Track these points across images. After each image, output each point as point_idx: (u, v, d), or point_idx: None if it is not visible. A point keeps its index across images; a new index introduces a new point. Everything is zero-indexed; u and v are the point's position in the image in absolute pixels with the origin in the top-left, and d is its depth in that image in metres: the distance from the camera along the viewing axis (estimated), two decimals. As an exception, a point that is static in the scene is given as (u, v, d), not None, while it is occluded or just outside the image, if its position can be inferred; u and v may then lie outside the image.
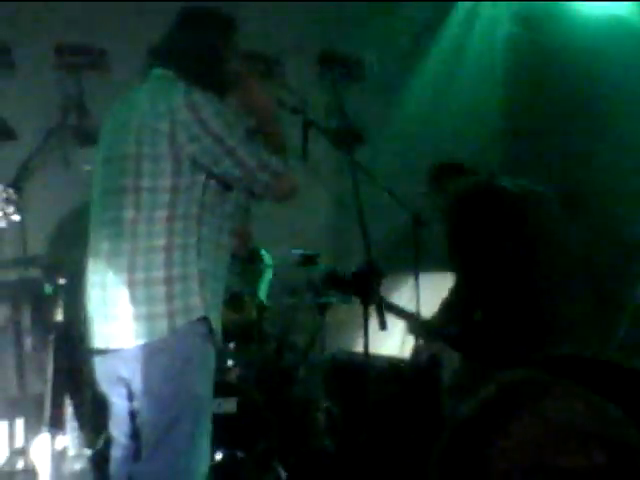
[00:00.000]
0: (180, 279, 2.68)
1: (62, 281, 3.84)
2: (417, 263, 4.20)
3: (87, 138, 4.57)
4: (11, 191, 3.11)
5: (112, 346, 2.74)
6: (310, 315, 5.11)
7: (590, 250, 4.72)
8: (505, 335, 3.57)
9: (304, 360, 4.99)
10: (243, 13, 3.06)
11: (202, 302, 2.70)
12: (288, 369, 4.89)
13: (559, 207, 3.92)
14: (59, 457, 3.94)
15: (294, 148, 3.22)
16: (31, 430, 4.13)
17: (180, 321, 2.67)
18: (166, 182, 2.69)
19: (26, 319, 4.58)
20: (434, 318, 3.89)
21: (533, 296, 3.64)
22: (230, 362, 4.46)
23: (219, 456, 4.05)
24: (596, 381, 1.13)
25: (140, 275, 2.67)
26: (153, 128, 2.70)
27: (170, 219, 2.69)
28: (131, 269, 2.68)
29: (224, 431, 3.77)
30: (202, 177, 2.73)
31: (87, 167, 3.80)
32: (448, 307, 3.74)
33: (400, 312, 3.80)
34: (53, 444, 3.91)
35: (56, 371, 3.89)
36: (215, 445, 3.05)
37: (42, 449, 3.88)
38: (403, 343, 5.18)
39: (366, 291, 3.14)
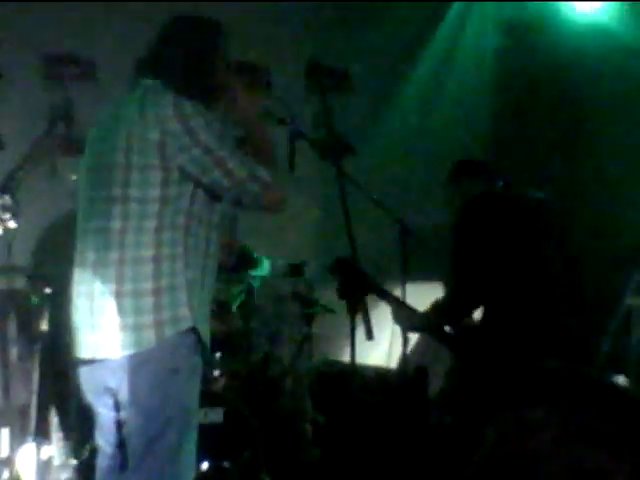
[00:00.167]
0: (168, 290, 2.68)
1: (48, 291, 3.83)
2: (404, 273, 4.21)
3: (74, 147, 4.56)
4: (7, 198, 3.10)
5: (98, 356, 2.73)
6: (296, 325, 5.11)
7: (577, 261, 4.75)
8: (504, 340, 3.60)
9: (291, 370, 4.98)
10: (230, 22, 3.06)
11: (190, 312, 2.69)
12: (275, 379, 4.89)
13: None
14: (44, 467, 3.93)
15: (282, 159, 3.22)
16: (16, 440, 4.11)
17: (168, 332, 2.66)
18: (155, 192, 2.69)
19: (12, 329, 4.56)
20: (427, 316, 3.87)
21: (538, 305, 3.68)
22: (216, 372, 4.45)
23: (205, 466, 4.04)
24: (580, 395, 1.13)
25: (128, 286, 2.66)
26: (142, 138, 2.69)
27: (158, 230, 2.69)
28: (119, 280, 2.67)
29: (210, 441, 3.77)
30: (190, 187, 2.73)
31: (74, 176, 3.79)
32: (441, 309, 3.74)
33: (395, 301, 3.79)
34: (39, 454, 3.90)
35: (42, 381, 3.88)
36: (201, 455, 3.03)
37: (28, 459, 3.87)
38: (390, 353, 5.19)
39: (353, 296, 3.16)
